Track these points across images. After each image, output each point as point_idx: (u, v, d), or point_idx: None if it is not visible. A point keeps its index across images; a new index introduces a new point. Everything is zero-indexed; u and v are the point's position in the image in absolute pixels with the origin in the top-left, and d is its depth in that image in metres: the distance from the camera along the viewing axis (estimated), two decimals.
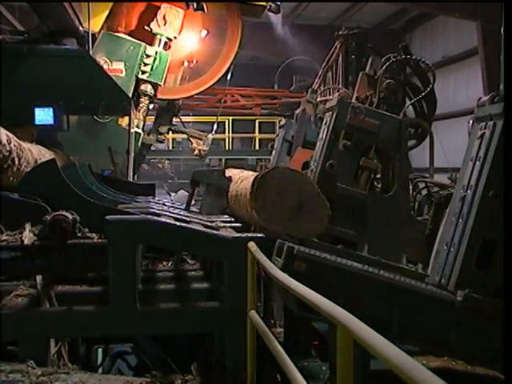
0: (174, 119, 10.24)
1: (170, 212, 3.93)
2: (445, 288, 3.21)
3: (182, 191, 13.45)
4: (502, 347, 2.58)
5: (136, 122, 8.17)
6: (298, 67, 19.19)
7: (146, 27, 8.36)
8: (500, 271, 3.04)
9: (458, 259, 3.22)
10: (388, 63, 5.35)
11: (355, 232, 4.30)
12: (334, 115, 4.36)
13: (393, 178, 4.46)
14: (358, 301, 3.00)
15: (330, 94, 8.67)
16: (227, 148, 19.49)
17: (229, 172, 4.96)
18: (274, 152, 8.03)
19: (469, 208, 3.27)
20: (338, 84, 9.23)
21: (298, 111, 7.66)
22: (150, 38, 8.37)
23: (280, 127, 8.17)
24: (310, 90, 8.31)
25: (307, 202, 3.57)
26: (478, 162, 3.33)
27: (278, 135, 7.96)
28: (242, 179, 4.21)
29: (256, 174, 3.84)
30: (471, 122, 3.71)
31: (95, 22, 7.90)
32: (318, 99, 7.85)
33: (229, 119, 18.00)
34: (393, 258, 4.04)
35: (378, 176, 4.69)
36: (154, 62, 8.23)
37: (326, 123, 4.51)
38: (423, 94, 5.75)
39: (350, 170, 4.34)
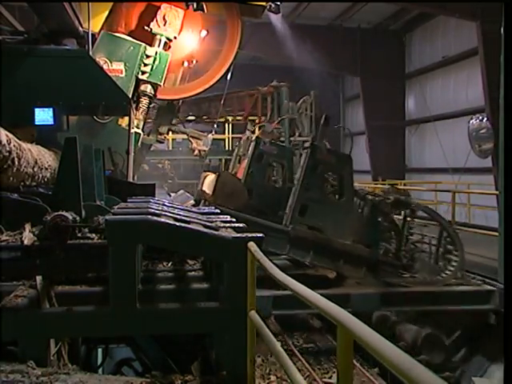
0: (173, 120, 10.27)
1: (169, 212, 3.93)
2: (286, 225, 6.84)
3: (181, 191, 13.45)
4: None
5: (136, 122, 8.17)
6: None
7: (146, 27, 8.36)
8: (310, 217, 6.91)
9: (290, 212, 6.87)
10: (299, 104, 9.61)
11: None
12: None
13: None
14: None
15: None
16: (227, 148, 19.50)
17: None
18: (232, 160, 12.31)
19: (296, 190, 6.92)
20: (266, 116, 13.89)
21: (244, 137, 12.11)
22: (149, 38, 8.37)
23: (235, 147, 12.92)
24: (248, 122, 13.47)
25: (236, 191, 7.02)
26: (300, 168, 6.99)
27: (233, 150, 13.13)
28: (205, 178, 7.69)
29: (215, 175, 7.32)
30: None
31: (95, 22, 7.90)
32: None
33: (228, 120, 18.00)
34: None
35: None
36: (153, 62, 8.23)
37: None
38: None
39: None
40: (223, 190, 6.91)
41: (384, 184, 18.54)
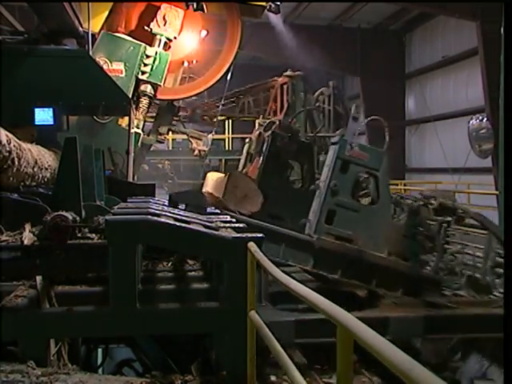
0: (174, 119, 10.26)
1: (169, 212, 3.93)
2: (309, 235, 5.92)
3: None
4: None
5: (136, 122, 8.17)
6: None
7: (146, 27, 8.36)
8: (338, 225, 5.94)
9: (315, 219, 5.96)
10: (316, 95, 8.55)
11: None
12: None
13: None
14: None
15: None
16: (227, 148, 19.50)
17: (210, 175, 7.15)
18: (241, 159, 11.74)
19: (322, 193, 5.97)
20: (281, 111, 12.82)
21: (255, 133, 11.12)
22: (149, 39, 8.36)
23: (244, 144, 11.89)
24: (261, 117, 12.18)
25: (249, 194, 6.12)
26: (327, 167, 6.07)
27: (243, 148, 11.97)
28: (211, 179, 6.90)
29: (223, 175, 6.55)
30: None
31: (95, 22, 7.90)
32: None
33: (229, 119, 17.99)
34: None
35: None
36: (153, 62, 8.23)
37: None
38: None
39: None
40: (235, 192, 6.04)
41: None
